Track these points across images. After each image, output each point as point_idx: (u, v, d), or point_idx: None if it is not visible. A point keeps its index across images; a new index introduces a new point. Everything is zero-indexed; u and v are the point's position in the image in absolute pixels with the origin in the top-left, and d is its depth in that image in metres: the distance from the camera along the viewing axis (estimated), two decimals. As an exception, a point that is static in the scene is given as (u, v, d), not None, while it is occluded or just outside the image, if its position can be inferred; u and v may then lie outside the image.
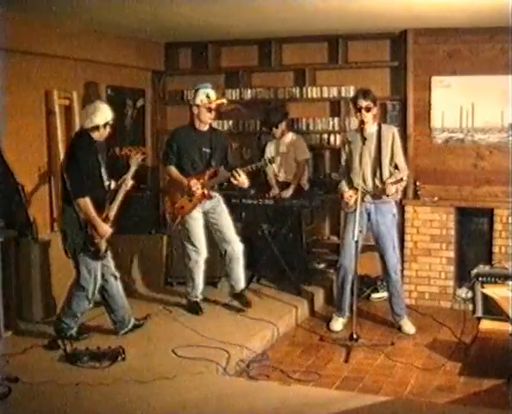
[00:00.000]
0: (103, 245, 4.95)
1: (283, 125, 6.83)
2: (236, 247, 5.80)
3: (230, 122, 7.53)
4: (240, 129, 7.50)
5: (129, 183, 5.16)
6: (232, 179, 5.59)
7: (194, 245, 5.74)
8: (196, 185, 5.60)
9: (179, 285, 6.36)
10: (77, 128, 6.02)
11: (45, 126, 6.20)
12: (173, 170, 5.74)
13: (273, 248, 6.41)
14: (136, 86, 7.56)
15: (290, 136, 6.91)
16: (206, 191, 5.66)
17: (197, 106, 5.63)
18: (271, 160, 5.67)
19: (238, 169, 5.58)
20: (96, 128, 4.87)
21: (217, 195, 5.83)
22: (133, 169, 5.20)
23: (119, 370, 4.49)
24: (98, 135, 4.92)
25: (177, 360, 4.73)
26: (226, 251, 5.82)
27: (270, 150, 6.95)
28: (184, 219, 5.72)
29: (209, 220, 5.81)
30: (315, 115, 7.23)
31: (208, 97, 5.61)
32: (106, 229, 4.90)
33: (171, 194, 5.81)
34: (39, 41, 5.82)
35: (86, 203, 4.78)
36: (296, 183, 6.82)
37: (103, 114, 4.91)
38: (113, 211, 5.01)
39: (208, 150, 5.70)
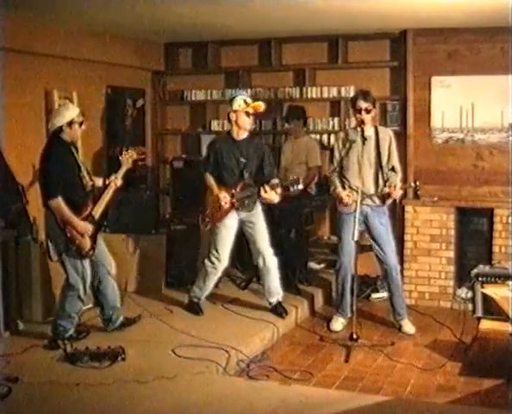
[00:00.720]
0: (87, 243, 4.89)
1: (296, 124, 6.84)
2: (267, 260, 5.70)
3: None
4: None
5: (119, 182, 5.09)
6: (264, 196, 5.47)
7: (218, 252, 5.68)
8: (224, 199, 5.56)
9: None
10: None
11: (45, 126, 6.20)
12: (208, 177, 5.70)
13: (273, 249, 6.39)
14: (136, 86, 7.57)
15: (305, 140, 6.90)
16: (235, 203, 5.58)
17: (235, 112, 5.55)
18: (298, 181, 5.45)
19: (266, 185, 5.46)
20: (61, 128, 4.80)
21: (258, 205, 5.70)
22: (124, 169, 5.14)
23: (119, 370, 4.49)
24: (67, 136, 4.84)
25: (177, 360, 4.72)
26: (258, 263, 5.78)
27: (286, 150, 6.95)
28: (217, 225, 5.67)
29: (245, 229, 5.75)
30: (315, 115, 7.24)
31: (245, 102, 5.55)
32: (85, 227, 4.85)
33: (207, 198, 5.75)
34: (39, 41, 5.83)
35: (58, 203, 4.74)
36: (303, 188, 6.80)
37: (63, 114, 4.84)
38: (98, 210, 4.96)
39: (244, 160, 5.61)
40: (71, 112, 4.87)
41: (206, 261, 5.76)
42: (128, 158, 5.16)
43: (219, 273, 5.82)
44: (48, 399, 4.06)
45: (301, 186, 5.51)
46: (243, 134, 5.64)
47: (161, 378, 4.33)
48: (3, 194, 5.22)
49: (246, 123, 5.61)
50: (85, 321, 5.28)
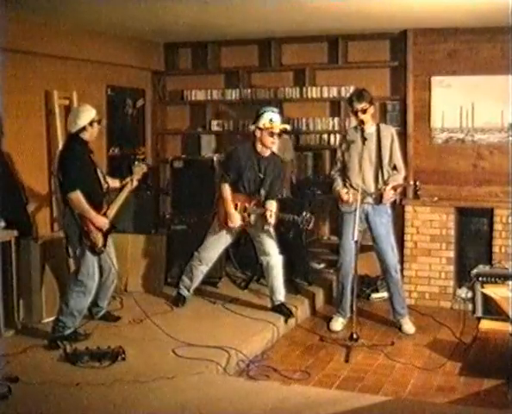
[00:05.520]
0: (100, 240, 5.00)
1: None
2: (273, 261, 5.75)
3: (230, 122, 7.55)
4: (239, 130, 7.51)
5: (135, 182, 5.29)
6: (268, 218, 5.56)
7: (206, 252, 5.82)
8: (235, 220, 5.64)
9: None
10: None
11: (45, 126, 6.21)
12: (226, 189, 5.69)
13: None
14: (136, 86, 7.57)
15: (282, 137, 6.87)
16: (247, 218, 5.67)
17: (260, 130, 5.58)
18: (309, 220, 5.56)
19: (273, 211, 5.57)
20: (84, 128, 4.93)
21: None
22: (135, 177, 5.33)
23: (119, 370, 4.49)
24: (88, 135, 4.98)
25: (177, 360, 4.73)
26: (263, 262, 5.82)
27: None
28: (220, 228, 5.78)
29: (251, 230, 5.81)
30: (315, 115, 7.24)
31: (271, 121, 5.55)
32: (102, 221, 4.98)
33: (220, 206, 5.78)
34: (39, 41, 5.83)
35: (78, 196, 4.85)
36: (289, 183, 6.81)
37: (86, 113, 4.97)
38: (112, 211, 5.12)
39: (262, 176, 5.68)
40: (91, 112, 5.01)
41: (193, 259, 5.88)
42: (139, 170, 5.37)
43: (203, 270, 5.91)
44: (48, 399, 4.06)
45: (311, 226, 5.66)
46: (266, 152, 5.67)
47: (161, 378, 4.33)
48: (3, 194, 5.23)
49: (270, 143, 5.63)
50: (84, 322, 5.26)
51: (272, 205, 5.64)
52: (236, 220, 5.66)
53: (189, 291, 5.99)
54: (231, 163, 5.73)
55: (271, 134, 5.58)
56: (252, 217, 5.70)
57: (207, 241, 5.85)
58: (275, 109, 5.77)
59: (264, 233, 5.74)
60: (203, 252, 5.85)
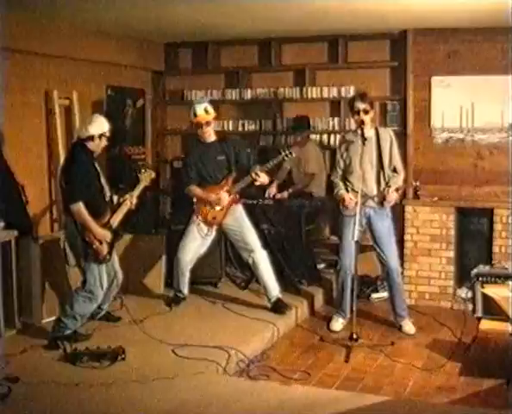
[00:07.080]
0: (104, 249, 4.95)
1: (303, 134, 6.91)
2: (257, 256, 5.76)
3: (230, 123, 7.55)
4: (239, 130, 7.51)
5: (134, 200, 5.19)
6: (256, 179, 5.58)
7: (183, 250, 5.84)
8: (223, 200, 5.66)
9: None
10: (77, 127, 6.08)
11: (45, 126, 6.21)
12: (195, 189, 5.74)
13: (273, 249, 6.40)
14: (136, 86, 7.57)
15: (308, 148, 6.93)
16: (234, 196, 5.70)
17: (191, 123, 5.76)
18: (288, 155, 5.64)
19: (256, 170, 5.58)
20: (92, 138, 4.89)
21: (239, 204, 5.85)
22: (141, 186, 5.26)
23: (119, 370, 4.49)
24: (94, 146, 4.94)
25: (177, 360, 4.73)
26: (248, 261, 5.83)
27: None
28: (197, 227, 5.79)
29: (229, 229, 5.81)
30: (315, 115, 7.24)
31: (194, 115, 5.65)
32: (103, 233, 4.92)
33: (200, 207, 5.79)
34: (39, 41, 5.83)
35: (79, 208, 4.81)
36: (295, 188, 6.82)
37: (99, 125, 4.95)
38: (116, 219, 5.06)
39: (222, 158, 5.71)
40: (105, 125, 4.98)
41: (174, 262, 5.91)
42: (146, 176, 5.30)
43: (184, 272, 5.90)
44: (48, 399, 4.06)
45: (294, 155, 5.74)
46: (209, 138, 5.74)
47: (161, 378, 4.33)
48: (3, 194, 5.23)
49: (202, 133, 5.71)
50: (84, 322, 5.26)
51: (254, 169, 5.62)
52: (224, 199, 5.67)
53: (181, 291, 5.98)
54: (188, 164, 5.78)
55: (199, 126, 5.67)
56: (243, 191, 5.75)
57: (183, 241, 5.84)
58: (202, 100, 5.87)
59: (244, 229, 5.74)
60: (180, 253, 5.85)
